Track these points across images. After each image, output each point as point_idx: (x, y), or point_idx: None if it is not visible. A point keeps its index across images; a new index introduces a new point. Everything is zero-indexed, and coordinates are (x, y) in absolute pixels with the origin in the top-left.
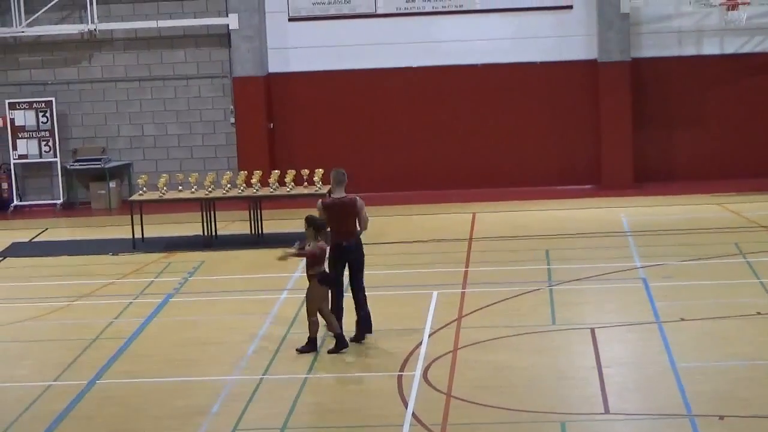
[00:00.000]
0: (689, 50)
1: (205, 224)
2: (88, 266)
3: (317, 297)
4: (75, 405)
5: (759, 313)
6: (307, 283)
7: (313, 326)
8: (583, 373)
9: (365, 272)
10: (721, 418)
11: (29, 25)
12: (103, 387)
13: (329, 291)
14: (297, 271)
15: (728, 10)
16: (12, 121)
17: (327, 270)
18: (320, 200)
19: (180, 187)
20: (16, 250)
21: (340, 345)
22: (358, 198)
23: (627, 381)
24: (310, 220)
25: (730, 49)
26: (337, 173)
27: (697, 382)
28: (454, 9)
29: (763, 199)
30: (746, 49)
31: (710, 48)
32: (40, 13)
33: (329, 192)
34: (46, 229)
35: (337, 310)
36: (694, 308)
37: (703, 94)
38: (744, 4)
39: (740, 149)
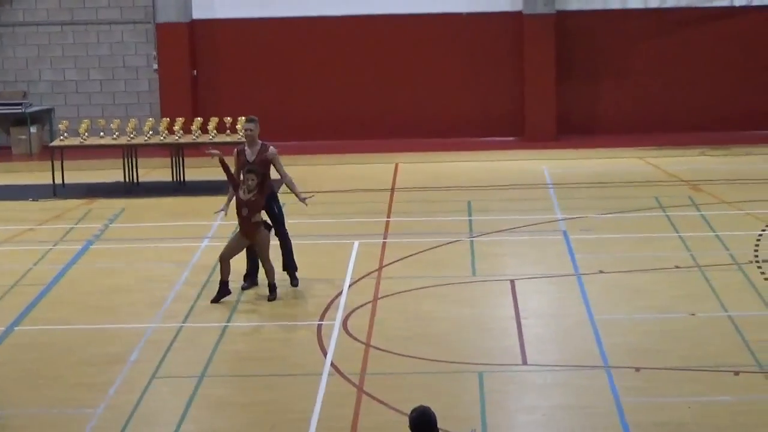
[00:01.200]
0: (614, 3)
1: (126, 171)
2: (7, 212)
3: (267, 242)
4: None
5: (677, 267)
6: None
7: (271, 271)
8: (502, 324)
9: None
10: (637, 369)
11: None
12: (21, 333)
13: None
14: (218, 219)
15: None
16: None
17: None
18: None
19: (102, 133)
20: None
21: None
22: None
23: (545, 332)
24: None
25: (654, 3)
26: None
27: (614, 334)
28: None
29: (684, 154)
30: (670, 4)
31: (635, 2)
32: None
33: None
34: None
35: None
36: (612, 261)
37: (627, 48)
38: None
39: (663, 103)
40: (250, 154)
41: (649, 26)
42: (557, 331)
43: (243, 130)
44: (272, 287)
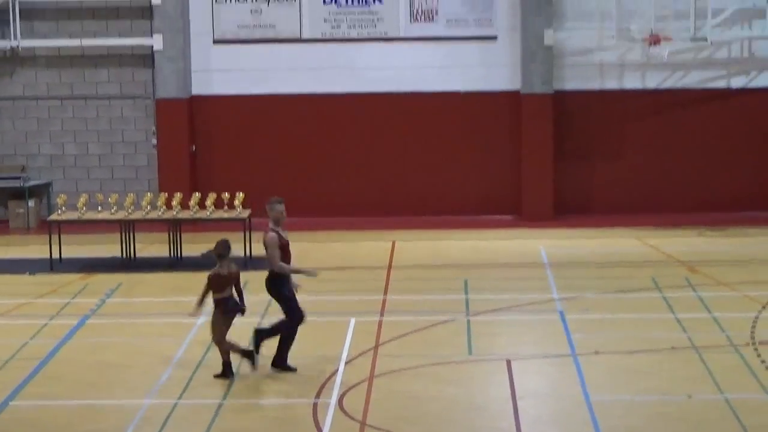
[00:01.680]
0: (611, 84)
1: (123, 246)
2: (3, 286)
3: (219, 322)
4: None
5: (673, 348)
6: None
7: (224, 352)
8: (497, 404)
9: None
10: None
11: None
12: (16, 409)
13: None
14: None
15: (650, 45)
16: None
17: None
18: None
19: (100, 208)
20: None
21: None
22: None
23: (541, 413)
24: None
25: (651, 83)
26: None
27: (611, 416)
28: (379, 36)
29: (681, 234)
30: (667, 84)
31: (632, 82)
32: None
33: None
34: None
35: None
36: (609, 341)
37: (624, 128)
38: (666, 39)
39: (659, 184)
40: (283, 234)
41: (646, 107)
42: (554, 412)
43: (277, 212)
44: (223, 365)
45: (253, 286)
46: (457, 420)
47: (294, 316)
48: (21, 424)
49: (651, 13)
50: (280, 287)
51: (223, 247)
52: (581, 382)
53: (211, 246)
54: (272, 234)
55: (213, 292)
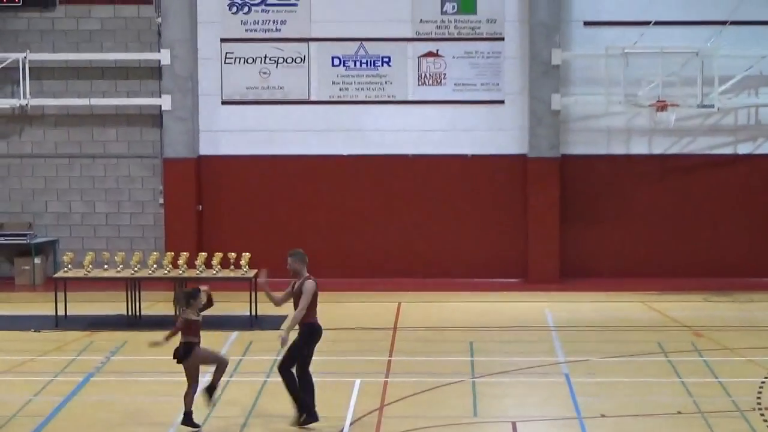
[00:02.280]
0: (618, 149)
1: (129, 304)
2: (8, 342)
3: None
4: None
5: (680, 413)
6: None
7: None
8: None
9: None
10: None
11: None
12: None
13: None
14: (222, 350)
15: (657, 111)
16: None
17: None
18: (313, 281)
19: (106, 266)
20: None
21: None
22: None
23: None
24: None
25: (658, 149)
26: (302, 253)
27: None
28: (387, 99)
29: (686, 299)
30: (674, 150)
31: (639, 147)
32: None
33: (304, 272)
34: None
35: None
36: (615, 405)
37: (630, 193)
38: (673, 105)
39: (665, 248)
40: (296, 284)
41: (653, 172)
42: None
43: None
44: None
45: (259, 346)
46: None
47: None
48: None
49: (658, 79)
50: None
51: (190, 295)
52: None
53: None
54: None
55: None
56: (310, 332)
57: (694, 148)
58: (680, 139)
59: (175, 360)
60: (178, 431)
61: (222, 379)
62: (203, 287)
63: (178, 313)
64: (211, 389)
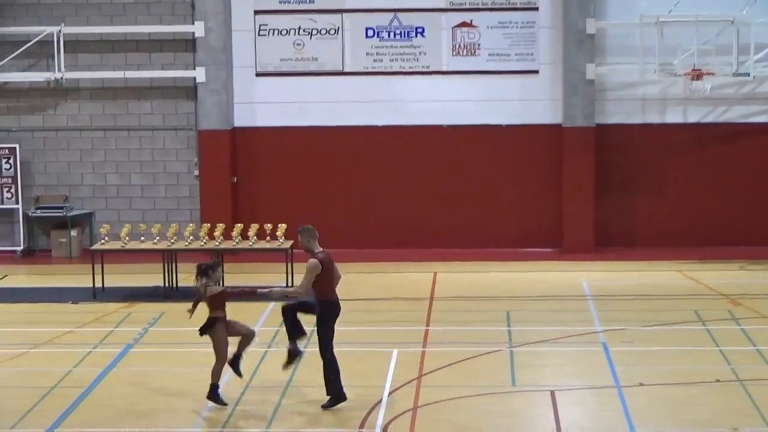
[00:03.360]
0: (653, 118)
1: (166, 275)
2: (47, 314)
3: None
4: None
5: (718, 380)
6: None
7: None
8: None
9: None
10: None
11: None
12: None
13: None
14: (257, 324)
15: (692, 79)
16: None
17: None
18: (315, 259)
19: (142, 238)
20: None
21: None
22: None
23: None
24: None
25: (693, 118)
26: (312, 229)
27: None
28: (421, 69)
29: (723, 267)
30: (709, 119)
31: (674, 116)
32: (7, 60)
33: (315, 248)
34: (6, 275)
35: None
36: (653, 374)
37: (665, 162)
38: (708, 74)
39: (701, 217)
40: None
41: (688, 141)
42: None
43: None
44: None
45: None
46: None
47: None
48: None
49: (693, 48)
50: None
51: (209, 266)
52: (625, 414)
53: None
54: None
55: (216, 310)
56: (326, 310)
57: (730, 117)
58: (715, 107)
59: (199, 333)
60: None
61: (260, 350)
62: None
63: (197, 285)
64: (235, 359)
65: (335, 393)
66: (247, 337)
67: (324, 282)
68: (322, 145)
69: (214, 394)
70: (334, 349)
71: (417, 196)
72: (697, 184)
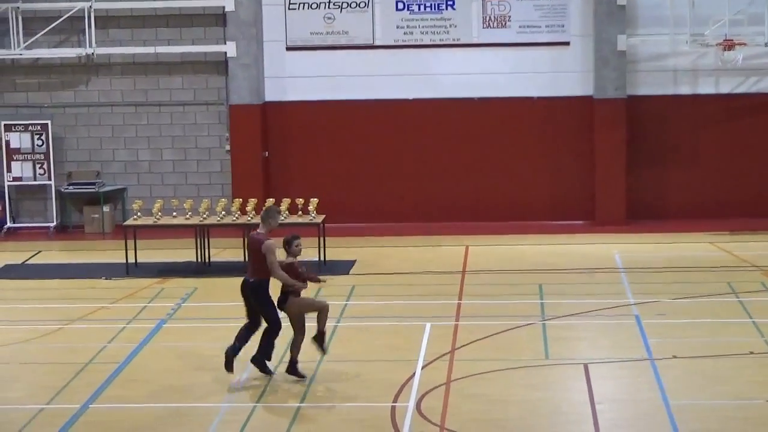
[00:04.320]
0: (685, 89)
1: (198, 251)
2: (80, 290)
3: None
4: (67, 429)
5: (752, 353)
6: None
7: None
8: (576, 408)
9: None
10: None
11: (27, 47)
12: (95, 412)
13: None
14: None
15: (724, 50)
16: (7, 143)
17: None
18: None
19: (174, 213)
20: (9, 272)
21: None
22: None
23: (619, 418)
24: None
25: (725, 88)
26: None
27: (690, 420)
28: (451, 42)
29: (756, 239)
30: (741, 89)
31: (706, 87)
32: (38, 35)
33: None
34: (39, 251)
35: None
36: (686, 346)
37: (697, 133)
38: (740, 44)
39: (733, 188)
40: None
41: (720, 112)
42: (632, 416)
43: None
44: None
45: (328, 290)
46: (535, 424)
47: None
48: (100, 426)
49: (725, 18)
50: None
51: (285, 242)
52: (659, 386)
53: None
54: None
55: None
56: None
57: (762, 87)
58: (747, 78)
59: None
60: (249, 378)
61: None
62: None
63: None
64: (319, 337)
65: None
66: (322, 311)
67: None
68: (352, 119)
69: (293, 369)
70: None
71: (448, 170)
72: (729, 155)
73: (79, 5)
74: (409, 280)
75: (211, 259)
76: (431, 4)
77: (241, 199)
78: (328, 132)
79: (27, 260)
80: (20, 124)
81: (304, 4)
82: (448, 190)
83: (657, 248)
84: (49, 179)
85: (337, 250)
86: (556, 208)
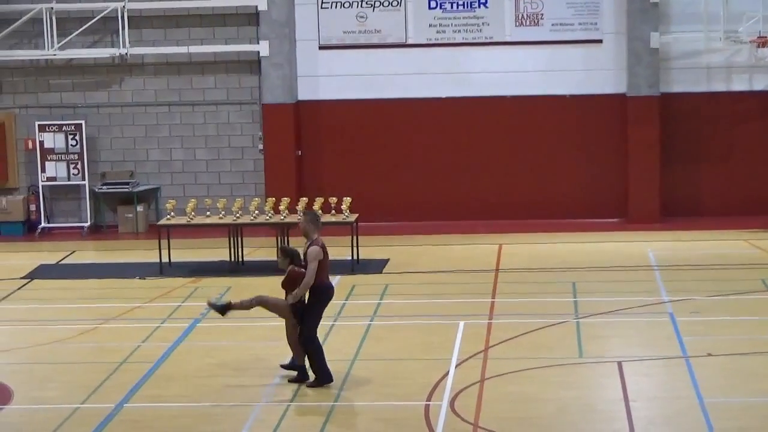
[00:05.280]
0: (718, 86)
1: (232, 250)
2: (114, 290)
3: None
4: (102, 428)
5: None
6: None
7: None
8: (610, 406)
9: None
10: None
11: (61, 48)
12: (130, 411)
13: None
14: None
15: (758, 47)
16: (41, 143)
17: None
18: (317, 246)
19: (208, 213)
20: (44, 272)
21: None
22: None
23: (654, 416)
24: (285, 251)
25: (759, 85)
26: (316, 215)
27: (725, 418)
28: (484, 40)
29: None
30: None
31: (739, 84)
32: (72, 36)
33: (313, 235)
34: (74, 251)
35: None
36: (721, 344)
37: (731, 130)
38: None
39: (767, 186)
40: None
41: (754, 109)
42: (666, 414)
43: None
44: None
45: (362, 290)
46: (570, 422)
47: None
48: (135, 426)
49: (759, 14)
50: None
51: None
52: (694, 384)
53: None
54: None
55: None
56: (319, 294)
57: None
58: None
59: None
60: (283, 377)
61: (327, 323)
62: None
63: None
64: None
65: (320, 374)
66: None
67: (323, 268)
68: (385, 117)
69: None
70: (397, 321)
71: (481, 168)
72: (763, 152)
73: (113, 5)
74: (442, 279)
75: (245, 259)
76: (464, 3)
77: (274, 198)
78: (361, 131)
79: (61, 260)
80: (54, 125)
81: (336, 3)
82: (480, 188)
83: (691, 246)
84: (83, 179)
85: (371, 248)
86: (589, 205)
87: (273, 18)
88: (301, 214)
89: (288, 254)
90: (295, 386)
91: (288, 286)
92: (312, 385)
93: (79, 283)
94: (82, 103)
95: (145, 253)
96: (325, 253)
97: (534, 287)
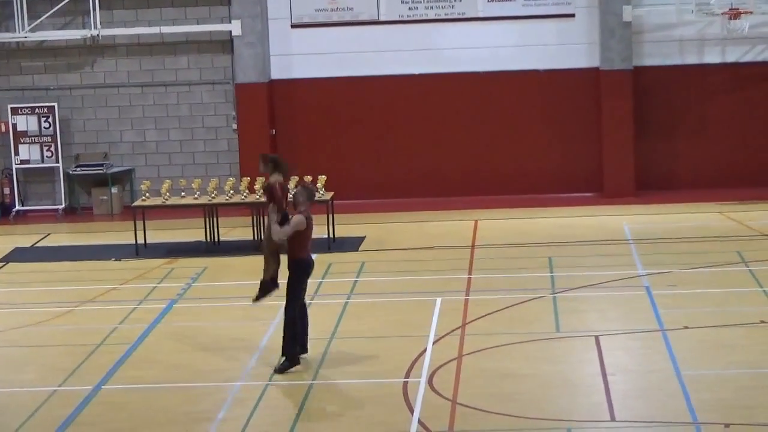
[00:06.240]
0: (691, 59)
1: (207, 230)
2: (90, 272)
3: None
4: (80, 411)
5: (763, 322)
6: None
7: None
8: (588, 380)
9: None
10: (727, 425)
11: (32, 30)
12: (108, 393)
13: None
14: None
15: (730, 19)
16: (14, 126)
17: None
18: (302, 216)
19: (182, 193)
20: (18, 255)
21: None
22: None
23: (632, 388)
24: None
25: (731, 57)
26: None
27: (702, 390)
28: (456, 16)
29: (765, 208)
30: (748, 58)
31: (712, 57)
32: (43, 18)
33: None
34: (48, 234)
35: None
36: (697, 316)
37: (704, 103)
38: (746, 13)
39: (742, 158)
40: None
41: (727, 81)
42: (644, 387)
43: None
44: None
45: (338, 268)
46: (548, 396)
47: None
48: (113, 407)
49: None
50: None
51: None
52: (671, 356)
53: None
54: None
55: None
56: (300, 267)
57: None
58: (754, 46)
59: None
60: (261, 356)
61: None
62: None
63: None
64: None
65: (290, 356)
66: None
67: (300, 241)
68: (358, 95)
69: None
70: (373, 299)
71: (455, 144)
72: (736, 124)
73: None
74: (418, 256)
75: (221, 239)
76: None
77: (249, 178)
78: (335, 109)
79: (36, 243)
80: (27, 107)
81: None
82: (455, 164)
83: (666, 219)
84: (57, 162)
85: (346, 227)
86: (564, 180)
87: None
88: (300, 186)
89: (270, 160)
90: (272, 366)
91: (268, 198)
92: (281, 370)
93: (55, 266)
94: (54, 86)
95: (121, 235)
96: (309, 225)
97: (510, 262)
